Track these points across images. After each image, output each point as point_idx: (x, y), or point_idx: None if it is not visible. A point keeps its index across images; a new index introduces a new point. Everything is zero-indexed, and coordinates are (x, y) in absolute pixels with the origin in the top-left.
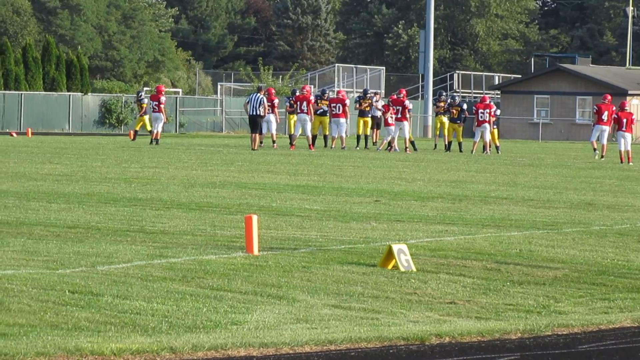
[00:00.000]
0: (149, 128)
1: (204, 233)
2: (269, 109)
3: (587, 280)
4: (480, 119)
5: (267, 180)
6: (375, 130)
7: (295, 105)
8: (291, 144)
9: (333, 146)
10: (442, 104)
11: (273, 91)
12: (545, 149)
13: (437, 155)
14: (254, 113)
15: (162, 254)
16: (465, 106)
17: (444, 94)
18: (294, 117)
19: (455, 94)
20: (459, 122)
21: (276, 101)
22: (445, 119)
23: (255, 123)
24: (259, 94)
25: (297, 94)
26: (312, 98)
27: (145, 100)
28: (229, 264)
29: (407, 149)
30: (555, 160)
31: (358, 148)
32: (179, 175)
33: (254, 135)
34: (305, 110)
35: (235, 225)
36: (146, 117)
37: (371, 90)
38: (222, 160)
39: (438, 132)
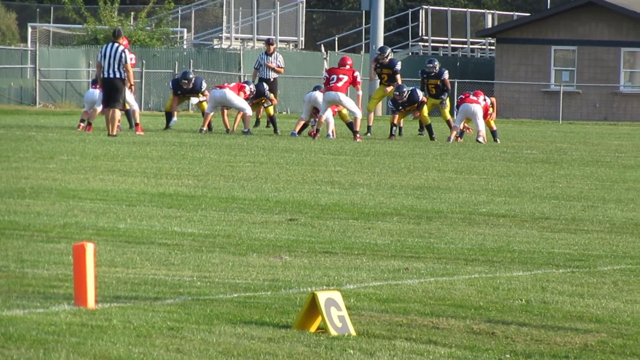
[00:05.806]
0: None
1: (4, 272)
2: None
3: (636, 350)
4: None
5: (111, 185)
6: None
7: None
8: (135, 124)
9: (204, 128)
10: (385, 60)
11: (125, 41)
12: (570, 134)
13: (392, 145)
14: (110, 75)
15: None
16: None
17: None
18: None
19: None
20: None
21: (131, 56)
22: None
23: (113, 92)
24: (117, 44)
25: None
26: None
27: None
28: (45, 323)
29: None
30: (586, 154)
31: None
32: None
33: (111, 112)
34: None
35: (56, 259)
36: None
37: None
38: (35, 153)
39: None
